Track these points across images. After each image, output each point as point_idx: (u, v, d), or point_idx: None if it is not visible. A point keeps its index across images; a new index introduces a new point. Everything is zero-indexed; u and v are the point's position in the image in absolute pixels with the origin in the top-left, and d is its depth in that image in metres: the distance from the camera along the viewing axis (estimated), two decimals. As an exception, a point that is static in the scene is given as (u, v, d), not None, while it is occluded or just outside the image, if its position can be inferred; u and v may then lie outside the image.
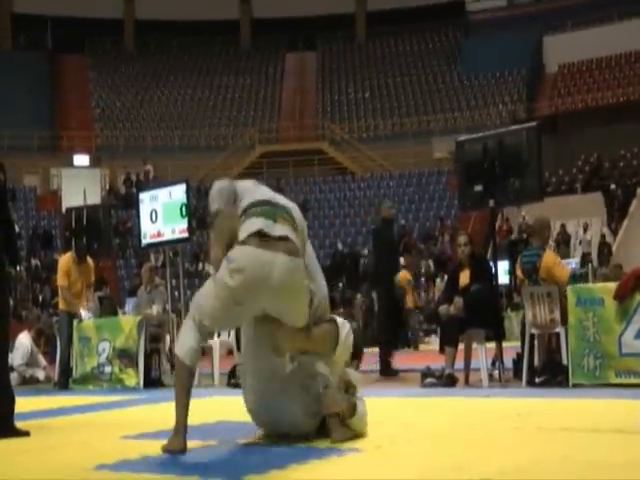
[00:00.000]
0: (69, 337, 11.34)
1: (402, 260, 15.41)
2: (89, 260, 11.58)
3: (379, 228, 11.96)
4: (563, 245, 24.36)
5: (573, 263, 14.88)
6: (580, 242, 25.92)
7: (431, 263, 26.09)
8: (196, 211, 27.10)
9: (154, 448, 4.52)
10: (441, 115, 37.58)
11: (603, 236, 26.31)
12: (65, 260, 11.59)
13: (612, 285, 7.55)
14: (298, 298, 4.64)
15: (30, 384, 12.55)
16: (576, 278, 8.78)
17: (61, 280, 11.43)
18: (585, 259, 16.43)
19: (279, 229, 4.62)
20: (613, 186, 28.89)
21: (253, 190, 4.86)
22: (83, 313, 11.39)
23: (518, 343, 8.97)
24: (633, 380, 7.16)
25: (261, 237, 4.58)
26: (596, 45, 37.36)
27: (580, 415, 5.74)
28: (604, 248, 21.47)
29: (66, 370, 11.32)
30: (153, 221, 11.69)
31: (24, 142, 34.17)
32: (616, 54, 37.83)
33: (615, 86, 36.37)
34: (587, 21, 38.36)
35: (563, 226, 26.76)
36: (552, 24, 39.41)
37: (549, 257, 8.67)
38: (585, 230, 27.40)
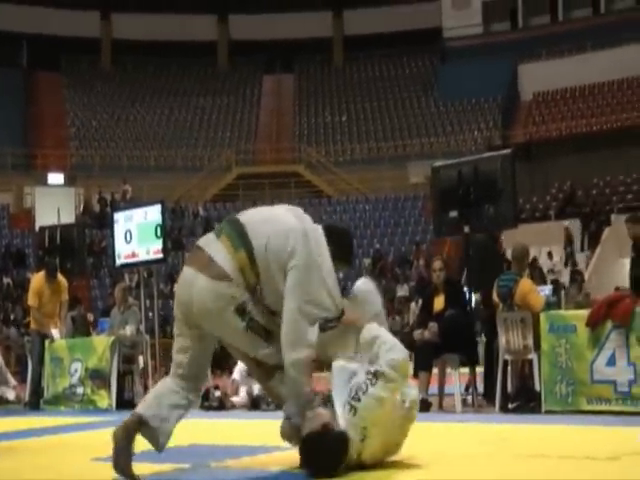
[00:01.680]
0: (40, 357, 11.26)
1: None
2: (61, 278, 11.51)
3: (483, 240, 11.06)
4: (537, 271, 24.50)
5: (546, 290, 14.98)
6: (551, 270, 26.04)
7: (406, 287, 26.14)
8: (171, 232, 27.09)
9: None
10: (417, 140, 37.78)
11: (574, 264, 26.48)
12: (37, 279, 11.52)
13: (584, 312, 7.62)
14: (223, 327, 4.32)
15: (-1, 404, 12.45)
16: (550, 306, 8.84)
17: (31, 300, 11.35)
18: (557, 286, 16.59)
19: (214, 247, 4.37)
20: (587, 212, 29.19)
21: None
22: (54, 333, 11.31)
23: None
24: (604, 407, 7.24)
25: (196, 250, 4.47)
26: (570, 74, 37.83)
27: (552, 442, 5.82)
28: (577, 275, 21.64)
29: (37, 390, 11.24)
30: (128, 241, 11.68)
31: (-2, 159, 34.04)
32: (589, 84, 38.30)
33: (588, 115, 36.79)
34: (561, 51, 38.84)
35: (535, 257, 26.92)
36: (527, 53, 39.88)
37: (525, 284, 8.76)
38: (550, 257, 27.60)
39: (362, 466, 4.32)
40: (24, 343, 13.15)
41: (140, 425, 4.23)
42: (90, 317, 15.69)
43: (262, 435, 5.52)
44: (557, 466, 4.52)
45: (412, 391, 4.59)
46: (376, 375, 4.27)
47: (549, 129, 36.66)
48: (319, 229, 4.59)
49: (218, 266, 4.24)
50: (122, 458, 4.09)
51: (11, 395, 12.94)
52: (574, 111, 37.72)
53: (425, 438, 6.34)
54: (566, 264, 27.32)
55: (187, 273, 4.35)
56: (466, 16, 42.62)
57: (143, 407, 4.33)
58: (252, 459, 4.93)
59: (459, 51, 41.50)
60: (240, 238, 4.32)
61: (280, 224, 4.43)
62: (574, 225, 28.94)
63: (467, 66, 39.54)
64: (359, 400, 4.23)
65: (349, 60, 45.05)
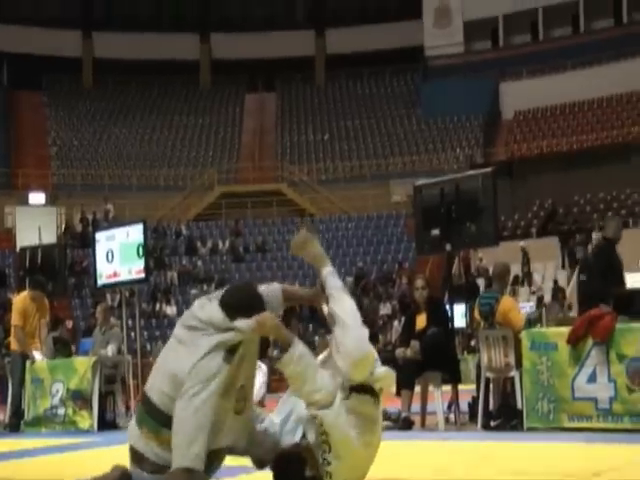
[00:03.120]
0: (21, 378, 11.17)
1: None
2: (44, 300, 11.45)
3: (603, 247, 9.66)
4: (518, 286, 24.70)
5: (527, 307, 15.05)
6: (534, 290, 26.20)
7: (389, 306, 26.19)
8: (153, 251, 27.05)
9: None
10: (399, 158, 37.93)
11: (555, 281, 26.61)
12: (21, 299, 11.45)
13: (565, 330, 7.64)
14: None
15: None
16: (531, 323, 8.87)
17: (17, 320, 11.25)
18: (539, 303, 16.65)
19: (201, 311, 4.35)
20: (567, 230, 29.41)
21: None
22: (36, 354, 11.24)
23: (473, 386, 9.03)
24: (585, 424, 7.27)
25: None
26: (551, 93, 38.15)
27: (534, 459, 5.84)
28: (558, 293, 21.75)
29: (18, 412, 11.13)
30: (109, 261, 11.65)
31: (-22, 179, 33.94)
32: (570, 102, 38.61)
33: (569, 134, 37.07)
34: (542, 69, 39.19)
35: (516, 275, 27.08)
36: (508, 71, 40.20)
37: (507, 302, 8.80)
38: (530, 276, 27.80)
39: None
40: (4, 364, 13.03)
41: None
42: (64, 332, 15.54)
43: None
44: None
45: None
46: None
47: (530, 147, 36.89)
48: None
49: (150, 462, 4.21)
50: None
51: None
52: (555, 129, 38.00)
53: (407, 456, 6.36)
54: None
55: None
56: (448, 35, 42.89)
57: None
58: (247, 477, 4.92)
59: (441, 69, 41.77)
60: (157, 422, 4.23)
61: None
62: (555, 242, 29.11)
63: (449, 84, 39.82)
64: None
65: (331, 79, 45.23)
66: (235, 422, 4.19)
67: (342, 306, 4.34)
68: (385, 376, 4.27)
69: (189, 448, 3.94)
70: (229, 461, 4.57)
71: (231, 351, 4.13)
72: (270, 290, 4.46)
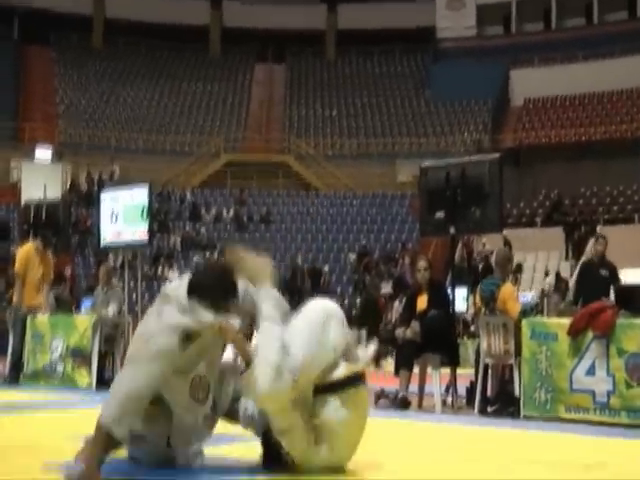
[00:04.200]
0: (22, 332, 11.24)
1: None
2: (49, 255, 11.48)
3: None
4: (519, 275, 24.69)
5: (529, 297, 15.07)
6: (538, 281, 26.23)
7: (391, 285, 26.22)
8: (157, 215, 27.06)
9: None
10: (407, 139, 37.85)
11: (558, 273, 26.61)
12: (25, 249, 11.48)
13: (566, 321, 7.66)
14: None
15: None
16: (526, 313, 8.92)
17: (19, 267, 11.27)
18: (542, 293, 16.67)
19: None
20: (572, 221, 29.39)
21: None
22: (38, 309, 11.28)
23: (472, 371, 9.07)
24: (582, 416, 7.27)
25: None
26: (561, 83, 38.03)
27: (528, 447, 5.87)
28: (561, 284, 21.73)
29: (17, 365, 11.22)
30: (113, 222, 11.72)
31: (-16, 131, 33.82)
32: (580, 94, 38.48)
33: (578, 125, 36.96)
34: (553, 58, 39.02)
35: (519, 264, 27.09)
36: (520, 58, 40.01)
37: (507, 289, 8.84)
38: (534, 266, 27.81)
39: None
40: (5, 317, 13.10)
41: None
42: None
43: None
44: (532, 471, 4.57)
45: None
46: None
47: (539, 136, 36.80)
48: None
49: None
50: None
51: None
52: (564, 120, 37.90)
53: (402, 437, 6.43)
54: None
55: None
56: (460, 17, 42.71)
57: None
58: (230, 447, 4.96)
59: (452, 52, 41.61)
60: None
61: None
62: (559, 233, 29.11)
63: (459, 67, 39.65)
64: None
65: (341, 54, 45.01)
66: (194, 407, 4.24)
67: (263, 342, 4.19)
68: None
69: (114, 412, 3.92)
70: (229, 429, 4.64)
71: (188, 338, 4.11)
72: (250, 291, 4.38)
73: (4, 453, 4.82)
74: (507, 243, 27.06)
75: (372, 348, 4.50)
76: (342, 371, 4.21)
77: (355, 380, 4.25)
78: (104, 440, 3.91)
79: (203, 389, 4.23)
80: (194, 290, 4.19)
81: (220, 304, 4.19)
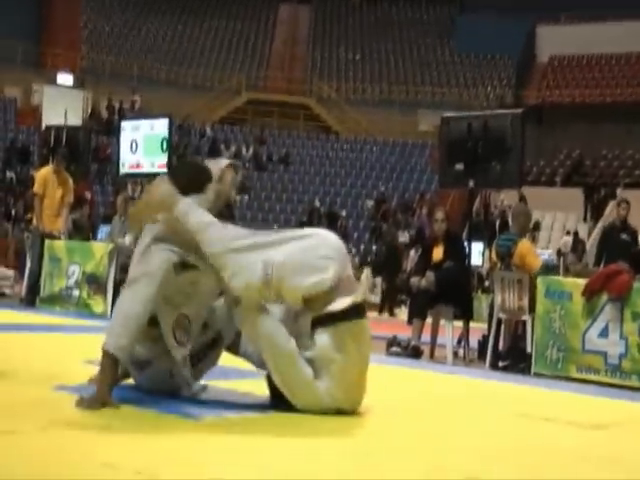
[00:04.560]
0: (40, 255, 11.31)
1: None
2: (68, 177, 11.46)
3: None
4: (537, 233, 24.66)
5: (546, 254, 15.06)
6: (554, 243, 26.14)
7: (407, 234, 26.24)
8: (177, 148, 26.96)
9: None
10: (429, 88, 37.57)
11: (577, 233, 26.55)
12: (44, 171, 11.49)
13: (582, 281, 7.64)
14: None
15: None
16: (548, 269, 8.91)
17: (37, 187, 11.26)
18: (558, 253, 16.66)
19: None
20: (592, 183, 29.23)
21: None
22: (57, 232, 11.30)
23: (485, 325, 9.07)
24: (593, 377, 7.28)
25: None
26: (588, 42, 37.45)
27: (538, 404, 5.86)
28: (578, 245, 21.70)
29: (34, 288, 11.31)
30: (133, 151, 11.71)
31: (8, 53, 33.53)
32: (607, 53, 37.96)
33: (603, 85, 36.55)
34: (581, 17, 38.39)
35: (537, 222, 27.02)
36: (546, 14, 39.38)
37: (524, 245, 8.80)
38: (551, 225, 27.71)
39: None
40: (24, 239, 13.16)
41: None
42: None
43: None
44: (540, 428, 4.58)
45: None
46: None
47: (562, 94, 36.44)
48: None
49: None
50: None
51: (8, 289, 13.00)
52: (589, 80, 37.47)
53: (412, 384, 6.48)
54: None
55: None
56: (488, -31, 42.01)
57: None
58: (241, 382, 5.01)
59: (478, 3, 41.02)
60: None
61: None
62: (578, 194, 28.94)
63: (485, 20, 39.08)
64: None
65: (367, -1, 44.55)
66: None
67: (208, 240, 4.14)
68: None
69: (115, 336, 3.97)
70: (240, 363, 4.68)
71: (183, 266, 4.17)
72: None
73: (17, 374, 4.88)
74: (522, 199, 27.07)
75: (365, 274, 4.46)
76: (340, 304, 4.13)
77: (354, 312, 4.17)
78: (111, 365, 3.99)
79: (185, 330, 4.23)
80: (175, 177, 4.34)
81: (201, 187, 4.29)
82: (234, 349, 4.55)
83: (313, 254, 4.13)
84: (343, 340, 4.12)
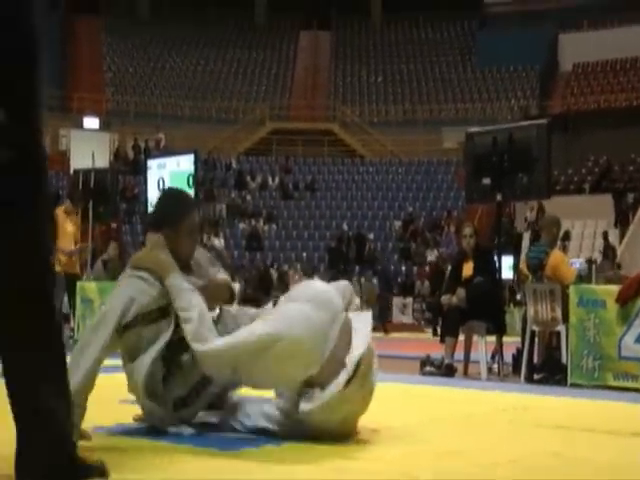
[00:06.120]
0: (68, 298, 11.34)
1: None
2: (76, 217, 11.61)
3: None
4: (567, 242, 24.47)
5: (577, 263, 14.93)
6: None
7: (436, 252, 26.18)
8: (203, 182, 27.14)
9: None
10: (452, 105, 37.55)
11: (607, 239, 26.30)
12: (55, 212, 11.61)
13: (615, 288, 7.58)
14: None
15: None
16: (582, 279, 8.82)
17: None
18: (589, 261, 16.48)
19: None
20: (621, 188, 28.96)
21: None
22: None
23: (519, 339, 9.00)
24: (631, 384, 7.21)
25: None
26: (611, 47, 37.19)
27: (575, 414, 5.79)
28: (609, 251, 21.47)
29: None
30: (160, 189, 11.76)
31: (34, 100, 34.01)
32: (631, 57, 37.66)
33: (629, 89, 36.26)
34: (603, 22, 38.22)
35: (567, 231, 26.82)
36: (568, 22, 39.25)
37: (557, 255, 8.74)
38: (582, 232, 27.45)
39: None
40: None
41: None
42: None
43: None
44: (578, 438, 4.52)
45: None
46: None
47: (588, 101, 36.20)
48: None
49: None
50: None
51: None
52: (614, 85, 37.21)
53: (447, 403, 6.41)
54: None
55: None
56: (506, -19, 42.03)
57: None
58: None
59: (499, 17, 41.03)
60: None
61: None
62: (608, 200, 28.68)
63: (506, 33, 39.10)
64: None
65: (387, 20, 44.61)
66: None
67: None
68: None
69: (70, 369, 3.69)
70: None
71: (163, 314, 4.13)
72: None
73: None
74: (541, 209, 26.90)
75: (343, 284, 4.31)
76: (335, 386, 3.93)
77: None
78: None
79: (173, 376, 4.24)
80: (155, 217, 4.40)
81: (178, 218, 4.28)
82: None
83: (291, 364, 3.94)
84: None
